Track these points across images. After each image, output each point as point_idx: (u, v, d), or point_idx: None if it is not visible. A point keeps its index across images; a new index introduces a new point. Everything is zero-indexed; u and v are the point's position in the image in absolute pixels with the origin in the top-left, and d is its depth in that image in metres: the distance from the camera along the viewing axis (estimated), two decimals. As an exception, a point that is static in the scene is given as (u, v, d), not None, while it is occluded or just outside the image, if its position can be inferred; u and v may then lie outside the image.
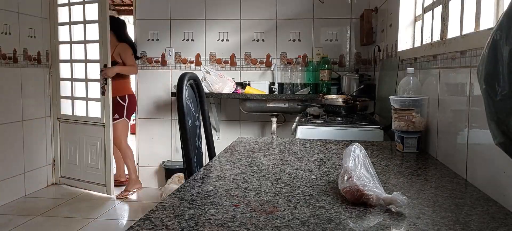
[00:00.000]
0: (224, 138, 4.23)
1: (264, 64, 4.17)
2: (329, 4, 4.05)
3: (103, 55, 4.04)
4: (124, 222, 3.50)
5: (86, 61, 4.24)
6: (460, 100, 1.38)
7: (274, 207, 0.98)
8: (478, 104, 1.22)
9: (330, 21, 4.07)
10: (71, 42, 4.33)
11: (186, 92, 1.52)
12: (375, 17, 3.47)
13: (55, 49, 4.43)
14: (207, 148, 1.83)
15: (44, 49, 4.38)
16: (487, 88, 0.74)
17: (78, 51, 4.31)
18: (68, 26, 4.32)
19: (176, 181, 3.73)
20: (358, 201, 1.00)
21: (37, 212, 3.66)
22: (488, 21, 1.36)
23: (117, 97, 4.13)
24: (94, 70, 4.15)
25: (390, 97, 1.81)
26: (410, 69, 1.79)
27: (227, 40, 4.21)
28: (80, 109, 4.35)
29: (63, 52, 4.44)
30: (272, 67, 4.08)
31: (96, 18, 4.05)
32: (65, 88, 4.45)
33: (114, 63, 4.09)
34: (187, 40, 4.26)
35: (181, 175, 3.99)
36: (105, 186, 4.16)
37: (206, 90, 3.72)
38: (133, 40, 4.31)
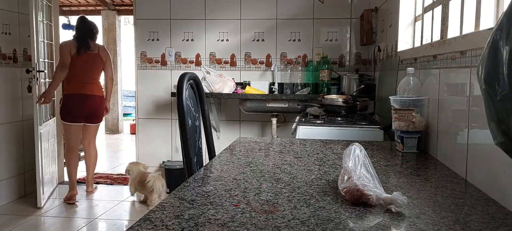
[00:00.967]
0: (224, 138, 4.23)
1: (264, 64, 4.17)
2: (329, 4, 4.05)
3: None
4: (124, 222, 3.50)
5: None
6: (460, 101, 1.38)
7: (274, 207, 0.98)
8: (478, 104, 1.22)
9: (330, 21, 4.07)
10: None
11: (186, 92, 1.52)
12: (375, 17, 3.47)
13: (56, 49, 4.43)
14: (207, 148, 1.83)
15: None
16: (487, 88, 0.74)
17: None
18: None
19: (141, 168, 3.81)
20: (358, 201, 1.00)
21: (37, 212, 3.66)
22: (488, 21, 1.36)
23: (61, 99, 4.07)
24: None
25: (390, 97, 1.81)
26: (410, 69, 1.79)
27: (227, 40, 4.21)
28: None
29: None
30: (272, 67, 4.08)
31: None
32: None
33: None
34: (187, 40, 4.26)
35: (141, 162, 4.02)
36: None
37: (206, 90, 3.72)
38: (133, 39, 4.31)
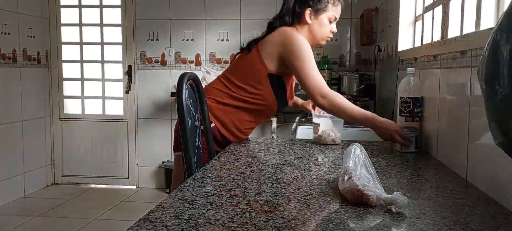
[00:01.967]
0: (224, 138, 4.22)
1: (264, 64, 4.17)
2: (329, 4, 4.04)
3: (127, 57, 4.32)
4: (124, 222, 3.50)
5: (103, 62, 4.44)
6: (461, 100, 1.38)
7: (274, 207, 0.98)
8: (478, 104, 1.21)
9: (330, 21, 4.06)
10: (81, 43, 4.46)
11: (185, 92, 1.52)
12: (375, 17, 3.46)
13: (56, 49, 4.44)
14: (207, 148, 1.83)
15: (44, 49, 4.38)
16: (488, 88, 0.74)
17: (86, 52, 4.47)
18: (78, 27, 4.44)
19: None
20: (359, 201, 1.00)
21: (37, 212, 3.66)
22: (489, 21, 1.36)
23: None
24: (112, 71, 4.44)
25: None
26: (410, 69, 1.78)
27: (227, 40, 4.20)
28: (90, 108, 4.50)
29: (66, 52, 4.48)
30: (272, 67, 4.07)
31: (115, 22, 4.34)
32: (67, 88, 4.49)
33: None
34: (187, 40, 4.26)
35: None
36: (128, 178, 4.43)
37: (206, 90, 3.71)
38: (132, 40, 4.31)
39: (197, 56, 4.25)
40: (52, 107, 4.47)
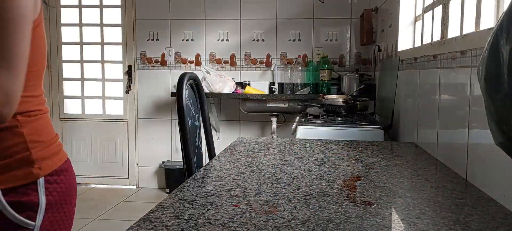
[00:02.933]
0: (224, 138, 4.23)
1: (264, 64, 4.17)
2: (329, 4, 4.04)
3: (127, 57, 4.35)
4: (124, 222, 3.49)
5: (103, 62, 4.43)
6: (460, 100, 1.38)
7: (274, 207, 0.98)
8: (478, 104, 1.22)
9: (330, 21, 4.07)
10: (81, 43, 4.45)
11: (186, 92, 1.52)
12: (375, 17, 3.46)
13: (56, 49, 4.44)
14: (207, 148, 1.83)
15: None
16: (487, 88, 0.74)
17: (86, 52, 4.47)
18: (78, 27, 4.44)
19: None
20: None
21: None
22: (489, 21, 1.36)
23: None
24: (112, 71, 4.44)
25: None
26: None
27: (227, 40, 4.20)
28: (90, 108, 4.51)
29: (66, 52, 4.49)
30: (272, 67, 4.08)
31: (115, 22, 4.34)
32: (67, 88, 4.49)
33: None
34: (187, 40, 4.26)
35: None
36: (128, 178, 4.45)
37: (206, 90, 3.72)
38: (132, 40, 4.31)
39: (197, 56, 4.25)
40: (52, 107, 4.46)
